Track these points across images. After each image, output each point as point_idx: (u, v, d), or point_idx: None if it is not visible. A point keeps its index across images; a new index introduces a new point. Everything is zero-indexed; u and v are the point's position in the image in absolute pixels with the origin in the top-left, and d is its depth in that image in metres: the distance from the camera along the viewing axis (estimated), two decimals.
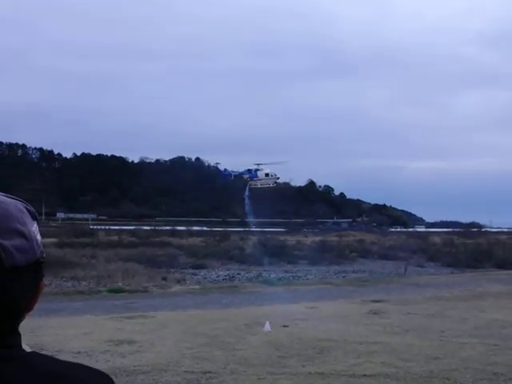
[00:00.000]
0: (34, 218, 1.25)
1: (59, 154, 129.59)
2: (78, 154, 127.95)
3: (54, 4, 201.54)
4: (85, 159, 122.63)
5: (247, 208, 47.35)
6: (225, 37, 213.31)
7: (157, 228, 60.25)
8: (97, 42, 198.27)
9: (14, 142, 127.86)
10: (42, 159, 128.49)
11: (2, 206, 1.19)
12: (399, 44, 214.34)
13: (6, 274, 1.14)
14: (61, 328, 13.16)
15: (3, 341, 1.17)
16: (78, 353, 10.58)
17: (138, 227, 59.82)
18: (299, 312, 16.08)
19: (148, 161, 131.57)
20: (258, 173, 43.77)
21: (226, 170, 46.69)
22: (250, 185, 43.39)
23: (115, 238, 47.94)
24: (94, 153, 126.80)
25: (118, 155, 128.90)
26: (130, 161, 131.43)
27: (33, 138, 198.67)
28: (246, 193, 44.99)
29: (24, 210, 1.24)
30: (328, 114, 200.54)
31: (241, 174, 44.70)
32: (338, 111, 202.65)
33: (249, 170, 44.27)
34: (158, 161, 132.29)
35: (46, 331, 12.47)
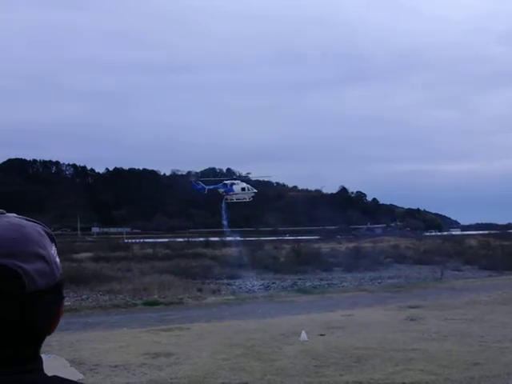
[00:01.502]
0: (53, 240, 1.25)
1: (92, 170, 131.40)
2: (111, 169, 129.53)
3: (81, 23, 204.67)
4: (117, 174, 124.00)
5: (224, 220, 47.41)
6: (250, 48, 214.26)
7: (190, 239, 60.51)
8: (125, 58, 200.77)
9: (47, 159, 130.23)
10: (76, 175, 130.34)
11: (22, 229, 1.19)
12: (425, 47, 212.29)
13: (28, 299, 1.14)
14: (98, 342, 13.26)
15: (25, 365, 1.17)
16: (116, 366, 10.64)
17: (171, 239, 60.15)
18: (335, 320, 15.97)
19: (179, 173, 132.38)
20: (234, 187, 43.81)
21: (199, 184, 46.80)
22: (226, 199, 43.48)
23: (150, 250, 48.26)
24: (126, 167, 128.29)
25: (149, 169, 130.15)
26: (162, 174, 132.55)
27: (66, 154, 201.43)
28: (223, 207, 45.14)
29: (43, 232, 1.23)
30: (357, 120, 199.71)
31: (216, 188, 44.82)
32: (367, 117, 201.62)
33: (224, 185, 44.33)
34: (189, 173, 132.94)
35: (84, 345, 12.58)
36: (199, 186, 45.10)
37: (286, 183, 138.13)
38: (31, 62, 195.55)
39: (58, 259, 1.24)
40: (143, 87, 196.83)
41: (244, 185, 44.57)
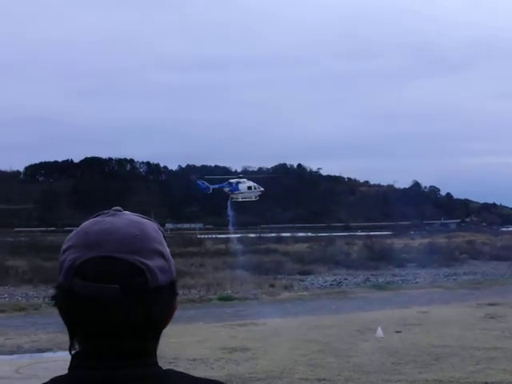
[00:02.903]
0: (164, 237, 1.29)
1: (165, 167, 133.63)
2: (183, 166, 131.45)
3: (155, 21, 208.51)
4: (190, 170, 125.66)
5: (230, 220, 46.78)
6: (321, 40, 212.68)
7: (262, 235, 60.75)
8: (196, 54, 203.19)
9: (122, 157, 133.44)
10: (150, 172, 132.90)
11: (142, 226, 1.23)
12: (502, 34, 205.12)
13: (150, 294, 1.18)
14: (175, 336, 13.46)
15: (146, 359, 1.22)
16: (194, 360, 10.84)
17: (243, 235, 60.51)
18: (411, 317, 15.72)
19: (251, 169, 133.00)
20: (240, 186, 42.92)
21: (203, 183, 46.02)
22: (232, 198, 42.69)
23: (222, 246, 48.74)
24: (198, 164, 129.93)
25: (221, 165, 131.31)
26: (234, 170, 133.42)
27: (140, 152, 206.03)
28: (228, 206, 44.30)
29: (158, 230, 1.28)
30: (430, 112, 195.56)
31: (221, 187, 44.00)
32: (441, 109, 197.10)
33: (229, 183, 43.49)
34: (260, 169, 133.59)
35: (162, 339, 12.80)
36: (203, 186, 44.69)
37: (357, 178, 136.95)
38: (105, 61, 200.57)
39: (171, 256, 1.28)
40: (213, 83, 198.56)
41: (250, 183, 43.95)
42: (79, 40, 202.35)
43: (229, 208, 44.61)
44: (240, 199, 42.68)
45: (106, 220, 1.24)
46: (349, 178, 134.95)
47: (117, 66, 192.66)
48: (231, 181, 43.53)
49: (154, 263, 1.20)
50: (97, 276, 1.15)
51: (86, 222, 1.27)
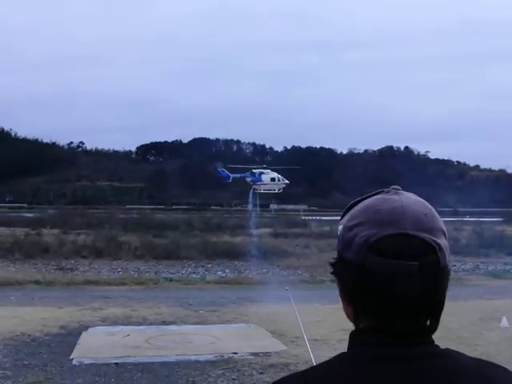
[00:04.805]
0: None
1: (271, 148, 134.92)
2: (289, 148, 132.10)
3: (251, 7, 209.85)
4: (295, 152, 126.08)
5: (251, 209, 44.52)
6: (428, 21, 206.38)
7: None
8: (300, 37, 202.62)
9: (229, 138, 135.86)
10: (255, 153, 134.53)
11: (427, 205, 1.25)
12: None
13: (439, 274, 1.19)
14: (291, 315, 13.58)
15: (430, 337, 1.23)
16: (316, 340, 10.86)
17: None
18: None
19: (356, 151, 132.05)
20: (263, 177, 40.82)
21: (223, 171, 43.91)
22: (255, 189, 40.60)
23: (327, 228, 48.48)
24: (303, 146, 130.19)
25: (326, 147, 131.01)
26: (339, 152, 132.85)
27: (246, 133, 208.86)
28: (250, 196, 42.14)
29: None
30: None
31: (243, 176, 41.95)
32: None
33: (252, 173, 41.39)
34: (366, 151, 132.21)
35: (280, 318, 12.95)
36: (224, 174, 43.25)
37: (467, 162, 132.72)
38: (214, 44, 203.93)
39: None
40: (319, 66, 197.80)
41: (274, 175, 42.14)
42: (189, 23, 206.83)
43: (250, 198, 43.46)
44: (262, 190, 41.62)
45: (395, 198, 1.24)
46: (458, 162, 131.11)
47: (226, 49, 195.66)
48: (254, 171, 42.52)
49: (443, 242, 1.20)
50: (395, 253, 1.16)
51: (369, 200, 1.28)
